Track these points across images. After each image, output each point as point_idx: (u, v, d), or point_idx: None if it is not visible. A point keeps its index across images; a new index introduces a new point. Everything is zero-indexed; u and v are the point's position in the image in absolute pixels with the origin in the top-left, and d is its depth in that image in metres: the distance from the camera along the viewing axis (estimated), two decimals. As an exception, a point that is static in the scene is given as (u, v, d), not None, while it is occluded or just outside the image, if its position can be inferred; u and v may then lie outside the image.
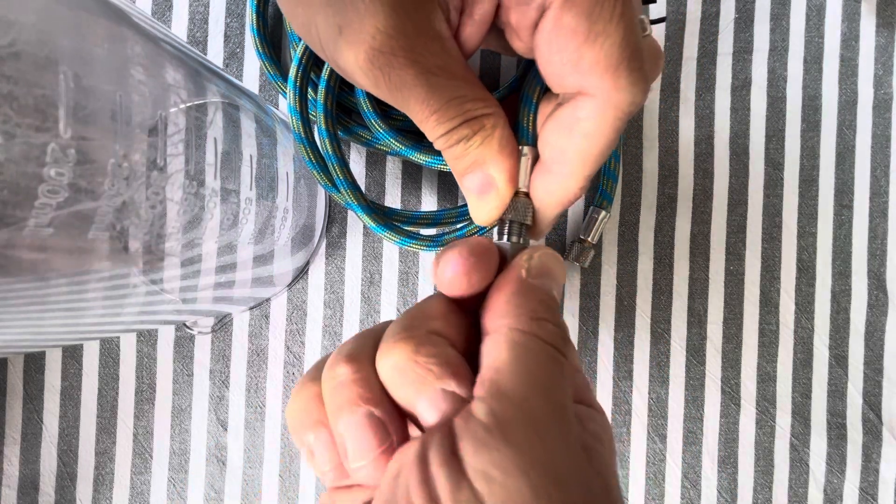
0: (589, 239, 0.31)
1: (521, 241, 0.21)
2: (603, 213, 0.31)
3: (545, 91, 0.21)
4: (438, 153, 0.27)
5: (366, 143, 0.29)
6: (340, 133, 0.30)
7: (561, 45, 0.18)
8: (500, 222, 0.21)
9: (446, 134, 0.19)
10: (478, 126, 0.19)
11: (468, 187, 0.20)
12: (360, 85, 0.19)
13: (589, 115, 0.18)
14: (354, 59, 0.17)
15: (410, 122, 0.29)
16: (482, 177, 0.20)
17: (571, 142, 0.19)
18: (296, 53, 0.26)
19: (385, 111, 0.28)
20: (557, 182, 0.20)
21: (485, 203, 0.20)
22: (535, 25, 0.18)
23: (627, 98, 0.18)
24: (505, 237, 0.21)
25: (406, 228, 0.27)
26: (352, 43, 0.17)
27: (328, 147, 0.25)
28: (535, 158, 0.20)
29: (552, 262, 0.19)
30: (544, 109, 0.21)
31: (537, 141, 0.21)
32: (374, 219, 0.26)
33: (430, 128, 0.19)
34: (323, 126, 0.25)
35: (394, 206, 0.32)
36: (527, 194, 0.21)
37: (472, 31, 0.19)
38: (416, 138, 0.28)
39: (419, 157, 0.27)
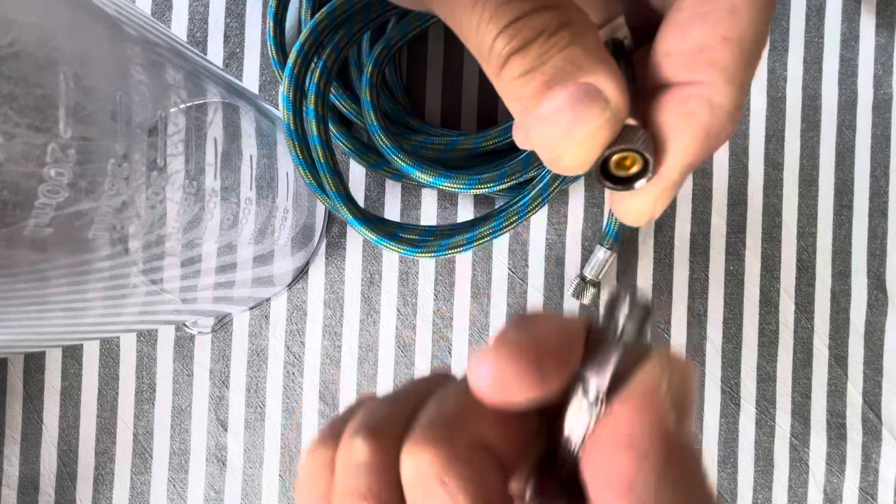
0: (592, 276, 0.31)
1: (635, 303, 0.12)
2: (609, 253, 0.30)
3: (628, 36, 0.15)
4: (441, 173, 0.27)
5: (370, 166, 0.29)
6: (347, 153, 0.30)
7: None
8: (603, 172, 0.14)
9: (513, 24, 0.12)
10: (564, 16, 0.12)
11: (547, 112, 0.12)
12: None
13: None
14: None
15: (412, 140, 0.29)
16: (576, 88, 0.12)
17: (715, 28, 0.12)
18: (298, 40, 0.24)
19: (387, 128, 0.27)
20: (706, 95, 0.13)
21: (584, 121, 0.12)
22: None
23: None
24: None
25: (388, 229, 0.26)
26: None
27: (314, 129, 0.24)
28: (636, 98, 0.14)
29: (693, 384, 0.12)
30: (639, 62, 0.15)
31: (636, 76, 0.14)
32: (351, 211, 0.25)
33: (487, 16, 0.12)
34: (312, 107, 0.24)
35: (393, 212, 0.32)
36: (640, 127, 0.13)
37: None
38: (417, 159, 0.27)
39: (421, 176, 0.27)
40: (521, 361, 0.11)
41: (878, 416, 0.33)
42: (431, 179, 0.27)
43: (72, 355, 0.31)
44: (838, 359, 0.33)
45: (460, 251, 0.26)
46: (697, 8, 0.13)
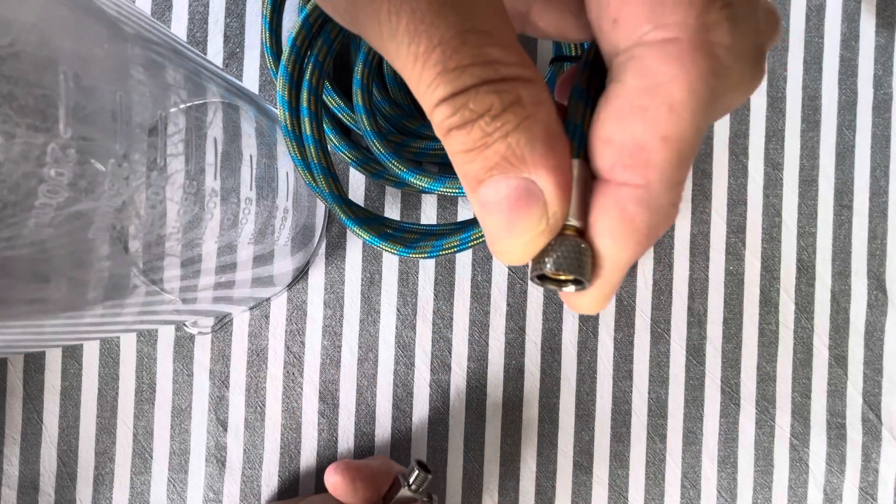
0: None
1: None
2: None
3: (601, 80, 0.13)
4: (436, 177, 0.27)
5: (373, 175, 0.29)
6: (350, 163, 0.29)
7: None
8: (541, 278, 0.13)
9: (454, 97, 0.11)
10: (511, 96, 0.11)
11: (487, 200, 0.12)
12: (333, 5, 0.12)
13: (674, 72, 0.11)
14: None
15: (409, 141, 0.28)
16: (517, 185, 0.12)
17: (654, 126, 0.12)
18: (291, 35, 0.24)
19: (381, 133, 0.27)
20: (645, 198, 0.12)
21: (520, 227, 0.12)
22: None
23: (723, 36, 0.11)
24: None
25: (385, 229, 0.26)
26: None
27: (307, 127, 0.24)
28: (587, 180, 0.13)
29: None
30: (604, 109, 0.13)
31: (588, 151, 0.13)
32: (344, 211, 0.25)
33: (427, 79, 0.11)
34: (306, 105, 0.24)
35: (393, 212, 0.32)
36: (578, 231, 0.13)
37: None
38: (415, 164, 0.27)
39: (418, 182, 0.26)
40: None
41: (878, 416, 0.33)
42: (427, 184, 0.27)
43: (72, 355, 0.31)
44: (838, 359, 0.33)
45: (454, 252, 0.26)
46: (637, 99, 0.12)
